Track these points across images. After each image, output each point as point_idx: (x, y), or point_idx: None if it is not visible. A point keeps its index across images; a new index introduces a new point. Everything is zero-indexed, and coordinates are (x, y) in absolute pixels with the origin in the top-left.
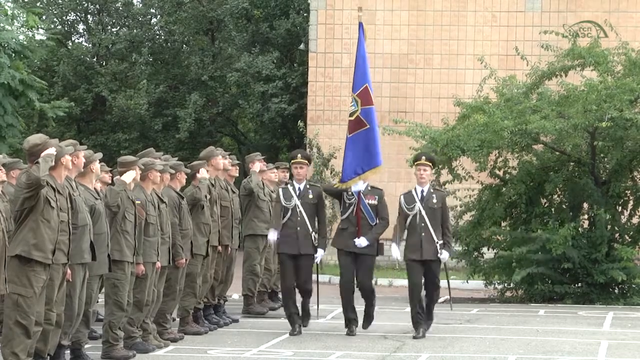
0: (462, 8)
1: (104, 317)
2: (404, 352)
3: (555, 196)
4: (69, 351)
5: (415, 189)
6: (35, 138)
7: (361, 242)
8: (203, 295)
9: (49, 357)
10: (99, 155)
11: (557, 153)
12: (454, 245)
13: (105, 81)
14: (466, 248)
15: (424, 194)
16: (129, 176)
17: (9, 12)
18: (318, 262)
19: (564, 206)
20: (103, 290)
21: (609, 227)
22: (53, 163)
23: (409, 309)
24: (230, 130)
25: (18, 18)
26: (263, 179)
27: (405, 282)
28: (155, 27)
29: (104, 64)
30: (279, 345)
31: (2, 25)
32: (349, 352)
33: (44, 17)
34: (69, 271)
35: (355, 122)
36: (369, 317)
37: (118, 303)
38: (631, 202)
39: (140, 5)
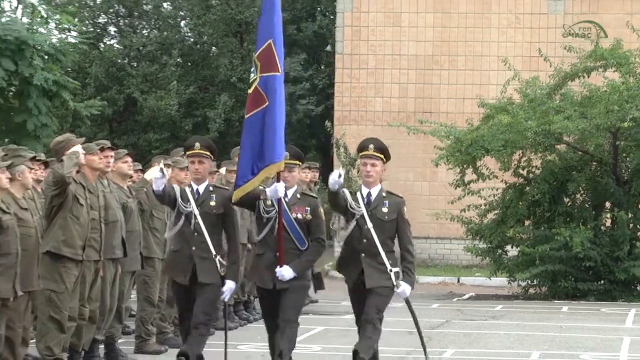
0: (486, 10)
1: (136, 313)
2: (429, 348)
3: (578, 195)
4: (103, 346)
5: (360, 191)
6: (60, 137)
7: (284, 272)
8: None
9: (83, 352)
10: (123, 151)
11: (580, 153)
12: (478, 241)
13: (136, 82)
14: (490, 245)
15: (371, 198)
16: (151, 173)
17: (43, 14)
18: (225, 300)
19: (586, 205)
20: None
21: (630, 225)
22: (78, 160)
23: (436, 304)
24: None
25: (51, 20)
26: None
27: (430, 278)
28: (185, 30)
29: (135, 65)
30: (307, 341)
31: (36, 27)
32: None
33: (76, 19)
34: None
35: (253, 97)
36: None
37: (149, 299)
38: None
39: (170, 8)
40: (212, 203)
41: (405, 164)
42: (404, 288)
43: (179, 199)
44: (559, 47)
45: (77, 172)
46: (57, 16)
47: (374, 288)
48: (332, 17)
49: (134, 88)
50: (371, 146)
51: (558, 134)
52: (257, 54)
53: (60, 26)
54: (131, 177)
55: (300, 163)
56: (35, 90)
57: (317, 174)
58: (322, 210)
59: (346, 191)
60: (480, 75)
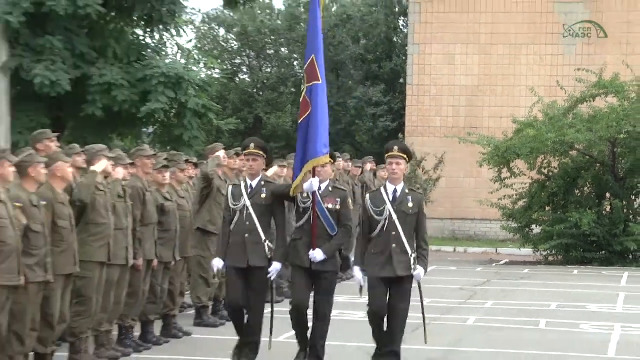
0: (517, 52)
1: (191, 290)
2: (475, 300)
3: (585, 188)
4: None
5: (385, 188)
6: (209, 146)
7: (316, 255)
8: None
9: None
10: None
11: (587, 157)
12: (510, 222)
13: (261, 106)
14: (519, 225)
15: (397, 194)
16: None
17: (195, 57)
18: (273, 279)
19: (591, 196)
20: None
21: (624, 211)
22: (219, 162)
23: (480, 268)
24: (350, 141)
25: (201, 61)
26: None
27: (475, 249)
28: (297, 67)
29: (261, 93)
30: (349, 307)
31: (190, 66)
32: (432, 298)
33: (218, 61)
34: None
35: (302, 105)
36: (314, 350)
37: (203, 277)
38: None
39: (286, 52)
40: (263, 195)
41: (457, 166)
42: (419, 272)
43: (230, 199)
44: (572, 79)
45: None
46: (205, 59)
47: (404, 277)
48: (404, 58)
49: (260, 110)
50: (396, 148)
51: (571, 143)
52: (305, 67)
53: (207, 65)
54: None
55: (333, 161)
56: (189, 112)
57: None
58: (350, 201)
59: (367, 197)
60: (513, 100)
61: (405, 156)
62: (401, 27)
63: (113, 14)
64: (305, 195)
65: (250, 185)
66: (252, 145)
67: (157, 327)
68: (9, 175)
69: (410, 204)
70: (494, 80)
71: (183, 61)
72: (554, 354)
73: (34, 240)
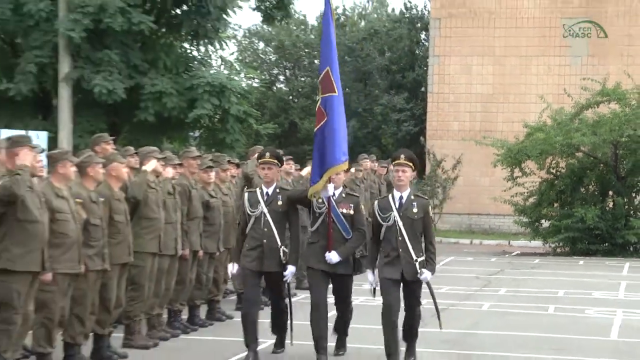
0: (528, 63)
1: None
2: (489, 288)
3: (590, 187)
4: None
5: (392, 195)
6: (251, 148)
7: (332, 257)
8: None
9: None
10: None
11: (592, 158)
12: (522, 217)
13: (296, 112)
14: (530, 219)
15: (403, 200)
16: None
17: (237, 68)
18: (289, 281)
19: (595, 193)
20: None
21: (626, 207)
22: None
23: (494, 258)
24: (376, 143)
25: (242, 72)
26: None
27: (490, 241)
28: None
29: (296, 101)
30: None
31: (232, 76)
32: (451, 286)
33: (258, 72)
34: None
35: (317, 115)
36: (341, 333)
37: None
38: None
39: (317, 62)
40: (279, 202)
41: (474, 166)
42: (426, 275)
43: (247, 205)
44: (578, 88)
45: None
46: (245, 69)
47: (411, 281)
48: (425, 68)
49: (295, 116)
50: (402, 156)
51: (577, 145)
52: (320, 79)
53: (247, 76)
54: (290, 173)
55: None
56: (232, 117)
57: (414, 173)
58: (362, 207)
59: (376, 203)
60: (524, 106)
61: (411, 164)
62: (422, 41)
63: (163, 29)
64: (320, 200)
65: (267, 193)
66: (267, 154)
67: (202, 311)
68: (70, 174)
69: (415, 210)
70: (506, 88)
71: (226, 72)
72: (561, 337)
73: (93, 233)
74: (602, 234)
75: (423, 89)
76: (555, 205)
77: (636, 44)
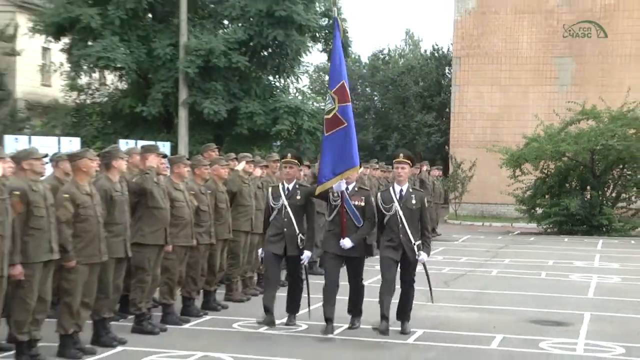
0: (527, 90)
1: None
2: (497, 258)
3: (573, 183)
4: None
5: (393, 188)
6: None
7: (345, 243)
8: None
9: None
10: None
11: (574, 162)
12: (521, 205)
13: None
14: (527, 207)
15: (403, 193)
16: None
17: (308, 95)
18: (305, 265)
19: (577, 188)
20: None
21: (600, 198)
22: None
23: (500, 237)
24: (412, 151)
25: (312, 98)
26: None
27: (497, 224)
28: (376, 100)
29: None
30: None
31: (305, 100)
32: (468, 257)
33: (324, 97)
34: None
35: (332, 121)
36: (355, 310)
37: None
38: (612, 186)
39: (368, 89)
40: (298, 197)
41: (485, 168)
42: (423, 256)
43: (270, 199)
44: (564, 109)
45: None
46: (314, 96)
47: (411, 261)
48: (449, 94)
49: None
50: (401, 155)
51: (563, 152)
52: (333, 90)
53: (316, 100)
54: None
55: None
56: (304, 131)
57: (440, 172)
58: (373, 199)
59: (379, 195)
60: (523, 123)
61: (409, 162)
62: (447, 74)
63: (254, 66)
64: (335, 194)
65: (287, 188)
66: (289, 155)
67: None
68: (184, 173)
69: (414, 201)
70: (510, 109)
71: (300, 98)
72: (551, 295)
73: (202, 217)
74: (582, 219)
75: (447, 109)
76: (547, 196)
77: (608, 76)
